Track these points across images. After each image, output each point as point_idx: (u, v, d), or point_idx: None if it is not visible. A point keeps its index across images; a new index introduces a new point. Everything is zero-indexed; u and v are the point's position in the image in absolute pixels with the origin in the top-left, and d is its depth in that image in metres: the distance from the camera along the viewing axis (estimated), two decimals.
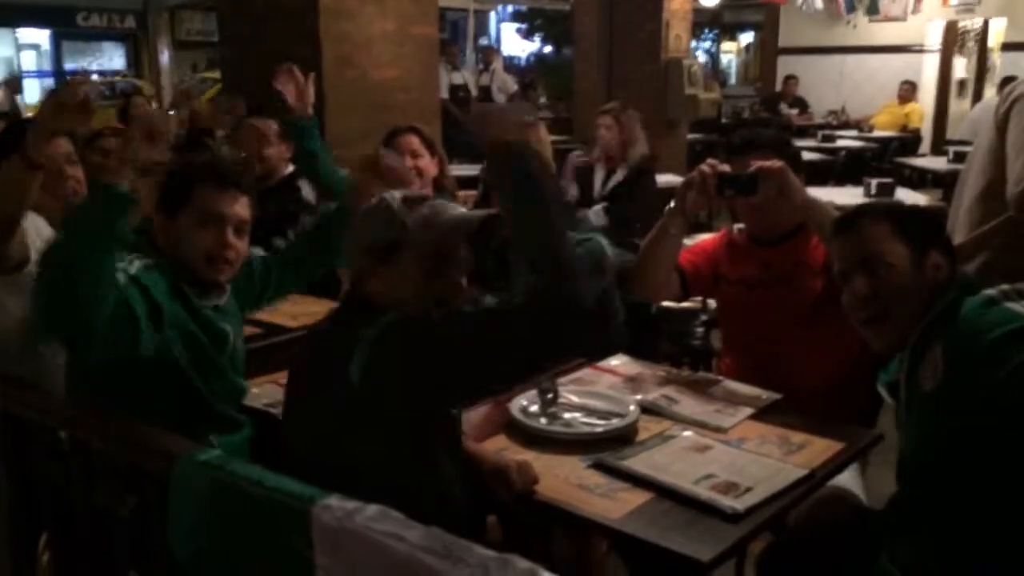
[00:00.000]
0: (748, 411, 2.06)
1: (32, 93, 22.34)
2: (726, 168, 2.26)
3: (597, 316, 2.47)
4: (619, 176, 4.68)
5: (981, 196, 2.47)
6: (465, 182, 4.71)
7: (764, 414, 2.05)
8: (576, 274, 1.42)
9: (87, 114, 1.93)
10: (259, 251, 2.41)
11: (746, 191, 2.23)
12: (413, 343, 1.52)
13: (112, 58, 22.58)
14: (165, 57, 14.29)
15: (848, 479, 2.00)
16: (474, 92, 9.60)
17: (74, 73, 21.18)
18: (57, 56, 24.06)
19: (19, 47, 23.54)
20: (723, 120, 10.26)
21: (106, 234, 1.69)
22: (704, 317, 3.75)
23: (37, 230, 2.28)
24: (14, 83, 17.36)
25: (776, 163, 2.18)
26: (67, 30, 22.61)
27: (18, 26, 23.00)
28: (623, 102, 4.97)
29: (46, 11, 21.92)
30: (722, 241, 2.54)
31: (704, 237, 3.56)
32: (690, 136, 8.71)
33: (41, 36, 23.86)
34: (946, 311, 1.65)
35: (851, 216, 1.83)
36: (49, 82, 23.29)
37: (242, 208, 2.00)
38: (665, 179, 6.26)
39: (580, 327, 1.44)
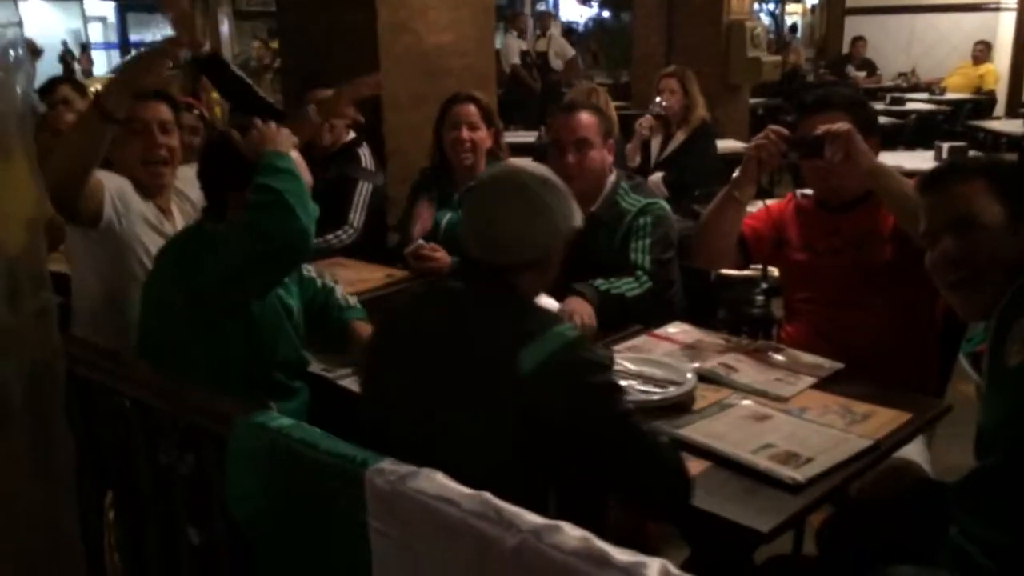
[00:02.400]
0: (810, 380, 2.00)
1: (99, 65, 22.86)
2: (785, 133, 2.20)
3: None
4: (678, 140, 4.61)
5: None
6: (520, 149, 4.68)
7: (826, 383, 1.99)
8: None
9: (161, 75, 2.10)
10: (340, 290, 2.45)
11: (811, 154, 2.16)
12: (593, 382, 1.52)
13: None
14: (225, 28, 14.42)
15: (914, 451, 1.94)
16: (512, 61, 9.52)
17: (139, 45, 21.57)
18: (123, 28, 24.54)
19: (86, 19, 24.08)
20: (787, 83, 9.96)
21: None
22: (764, 285, 3.67)
23: (120, 192, 2.31)
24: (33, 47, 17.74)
25: (843, 125, 2.09)
26: (132, 2, 22.99)
27: None
28: (683, 66, 4.87)
29: None
30: (787, 206, 2.47)
31: (766, 203, 3.49)
32: (752, 100, 8.50)
33: (107, 8, 24.35)
34: None
35: (941, 172, 1.70)
36: (115, 54, 23.80)
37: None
38: (727, 144, 6.13)
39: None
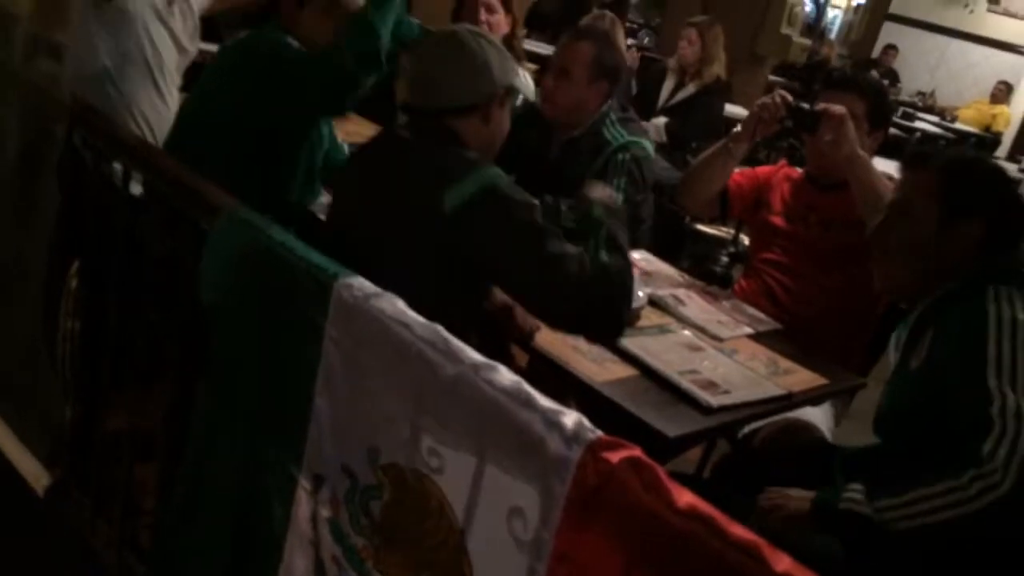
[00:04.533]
0: (748, 330, 2.15)
1: None
2: (790, 100, 2.29)
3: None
4: (687, 91, 4.64)
5: None
6: (534, 57, 4.67)
7: (762, 337, 2.14)
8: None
9: None
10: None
11: (805, 127, 2.26)
12: (508, 218, 1.60)
13: None
14: None
15: (819, 414, 2.11)
16: None
17: None
18: None
19: None
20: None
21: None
22: (732, 249, 3.81)
23: None
24: None
25: (840, 109, 2.19)
26: None
27: None
28: (712, 18, 4.87)
29: None
30: (776, 171, 2.58)
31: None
32: (772, 77, 8.51)
33: None
34: (959, 291, 1.64)
35: (916, 155, 1.81)
36: None
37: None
38: (737, 110, 6.19)
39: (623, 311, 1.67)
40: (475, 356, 1.20)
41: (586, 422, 1.09)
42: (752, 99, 7.88)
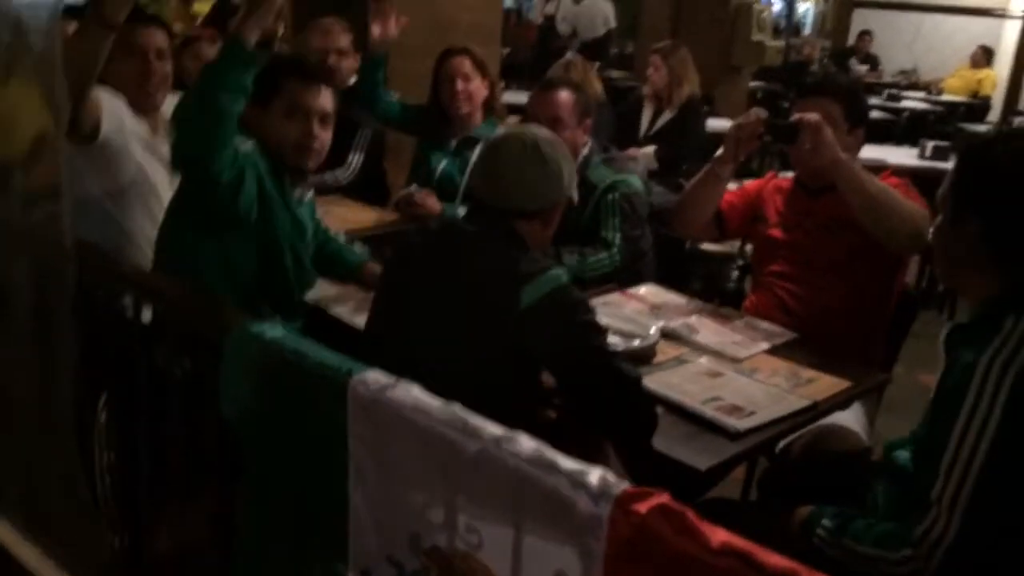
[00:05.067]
0: (764, 345, 2.16)
1: None
2: (764, 116, 2.33)
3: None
4: (666, 117, 4.69)
5: None
6: (516, 108, 4.76)
7: (779, 350, 2.15)
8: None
9: None
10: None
11: (785, 139, 2.30)
12: (575, 317, 1.71)
13: None
14: None
15: (851, 417, 2.11)
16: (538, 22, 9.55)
17: None
18: None
19: None
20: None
21: (238, 84, 1.93)
22: (740, 262, 3.82)
23: (116, 107, 2.40)
24: None
25: (814, 116, 2.22)
26: None
27: None
28: (675, 42, 4.94)
29: None
30: (766, 184, 2.62)
31: (743, 182, 3.62)
32: (752, 83, 8.60)
33: None
34: (980, 319, 1.49)
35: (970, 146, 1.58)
36: None
37: (326, 100, 2.16)
38: (722, 123, 6.24)
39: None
40: (494, 429, 1.23)
41: (610, 477, 1.11)
42: (737, 109, 8.02)
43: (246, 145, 2.10)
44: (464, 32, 3.77)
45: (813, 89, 2.44)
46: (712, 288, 3.73)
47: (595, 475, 1.12)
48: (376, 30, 3.02)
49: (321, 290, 2.36)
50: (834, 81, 2.56)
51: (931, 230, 1.63)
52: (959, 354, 1.44)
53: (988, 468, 1.36)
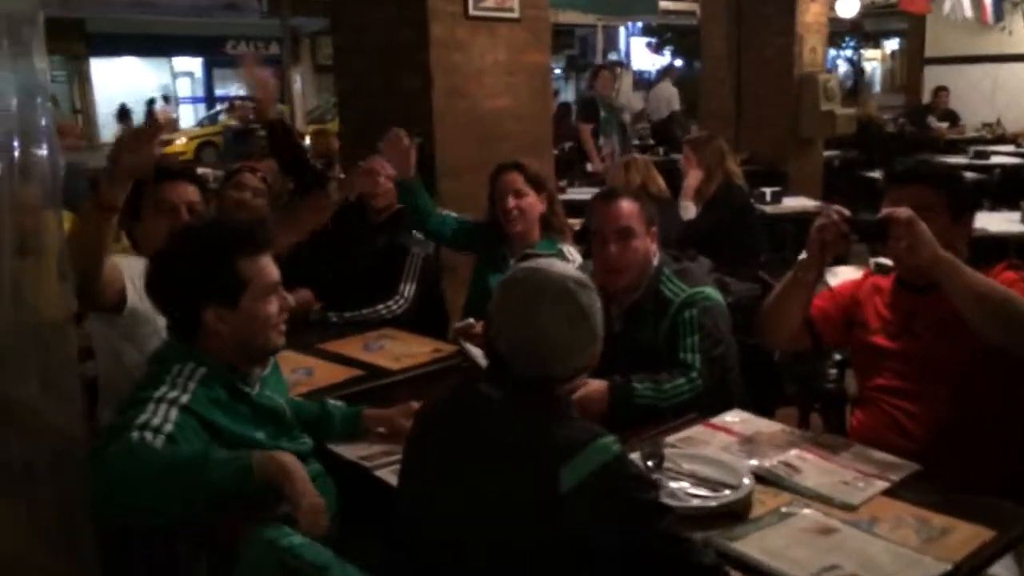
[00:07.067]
0: (882, 485, 1.82)
1: (187, 118, 23.81)
2: (846, 214, 2.05)
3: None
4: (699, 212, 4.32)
5: None
6: (579, 207, 4.56)
7: (901, 489, 1.81)
8: None
9: (149, 154, 2.00)
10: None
11: (873, 238, 2.01)
12: (629, 496, 1.42)
13: None
14: (298, 85, 14.88)
15: (1000, 568, 1.74)
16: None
17: (224, 99, 22.37)
18: (209, 82, 25.62)
19: (175, 75, 25.24)
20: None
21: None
22: (838, 357, 3.47)
23: (139, 275, 2.27)
24: (125, 114, 18.84)
25: (905, 211, 1.92)
26: (218, 59, 23.98)
27: (173, 55, 24.65)
28: (709, 134, 4.64)
29: (198, 40, 23.35)
30: (862, 285, 2.32)
31: (841, 270, 3.30)
32: (827, 153, 8.28)
33: (194, 64, 25.46)
34: None
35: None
36: (202, 107, 24.81)
37: (274, 265, 1.89)
38: (798, 202, 5.95)
39: None
40: None
41: None
42: (811, 183, 7.73)
43: (184, 396, 1.71)
44: (514, 141, 3.63)
45: (904, 177, 2.15)
46: (808, 391, 3.37)
47: None
48: (394, 162, 3.03)
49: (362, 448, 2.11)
50: (926, 165, 2.25)
51: None
52: None
53: None
